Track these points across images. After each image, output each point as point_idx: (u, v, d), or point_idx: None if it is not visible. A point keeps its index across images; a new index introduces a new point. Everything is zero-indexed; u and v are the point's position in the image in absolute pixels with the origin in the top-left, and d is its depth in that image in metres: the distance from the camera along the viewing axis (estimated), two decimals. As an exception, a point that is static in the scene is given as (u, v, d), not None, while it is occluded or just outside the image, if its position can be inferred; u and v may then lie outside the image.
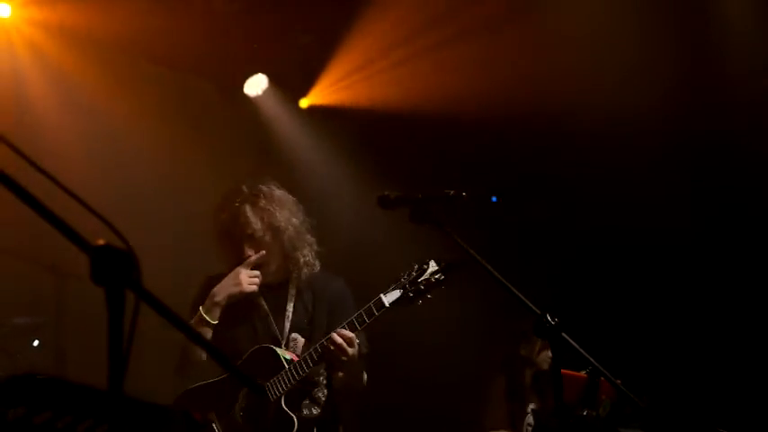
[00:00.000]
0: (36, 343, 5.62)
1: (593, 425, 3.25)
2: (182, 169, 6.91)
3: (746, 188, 6.80)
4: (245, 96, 7.36)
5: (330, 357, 4.11)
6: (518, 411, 6.43)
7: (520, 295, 3.10)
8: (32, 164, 1.87)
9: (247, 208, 4.36)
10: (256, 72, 7.31)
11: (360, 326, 4.10)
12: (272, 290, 4.45)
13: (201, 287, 4.47)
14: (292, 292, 4.45)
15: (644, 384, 3.46)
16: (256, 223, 4.35)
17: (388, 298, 4.05)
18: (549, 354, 6.35)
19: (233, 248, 4.38)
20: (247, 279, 4.30)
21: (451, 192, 3.28)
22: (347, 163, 7.74)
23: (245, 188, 4.44)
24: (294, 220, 4.43)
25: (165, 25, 6.38)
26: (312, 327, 4.39)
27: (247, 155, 7.61)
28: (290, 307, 4.41)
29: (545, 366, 6.47)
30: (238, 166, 7.46)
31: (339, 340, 4.08)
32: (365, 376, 4.48)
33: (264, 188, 4.45)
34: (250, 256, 4.35)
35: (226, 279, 4.33)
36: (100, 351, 2.16)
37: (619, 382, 3.15)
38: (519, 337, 6.48)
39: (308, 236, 4.48)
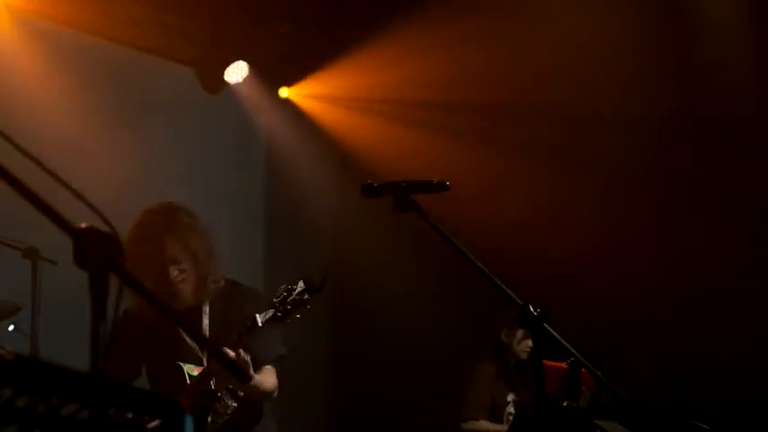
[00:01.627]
0: (11, 328, 5.56)
1: (574, 416, 3.26)
2: (159, 158, 6.87)
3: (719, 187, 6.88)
4: (226, 83, 7.34)
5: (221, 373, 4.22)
6: (498, 400, 6.46)
7: (502, 286, 3.10)
8: (16, 146, 1.85)
9: (169, 237, 4.43)
10: (237, 59, 7.29)
11: (240, 343, 4.17)
12: (187, 312, 4.50)
13: (119, 324, 4.31)
14: (205, 309, 4.54)
15: (624, 377, 3.47)
16: (179, 251, 4.43)
17: (262, 318, 4.17)
18: (529, 344, 6.40)
19: (152, 274, 4.36)
20: None
21: (435, 180, 3.26)
22: (329, 153, 7.74)
23: (161, 218, 4.51)
24: (208, 244, 4.54)
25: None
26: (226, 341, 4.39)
27: (226, 142, 7.60)
28: (205, 324, 4.52)
29: (523, 356, 6.51)
30: (219, 154, 7.45)
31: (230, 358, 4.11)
32: (274, 380, 4.51)
33: (182, 217, 4.54)
34: (176, 275, 4.42)
35: None
36: (76, 336, 2.13)
37: (600, 373, 3.15)
38: (501, 324, 6.53)
39: (216, 258, 4.59)
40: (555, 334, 3.04)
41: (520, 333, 6.45)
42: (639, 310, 6.85)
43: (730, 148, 6.76)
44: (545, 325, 3.01)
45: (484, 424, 6.35)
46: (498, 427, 6.30)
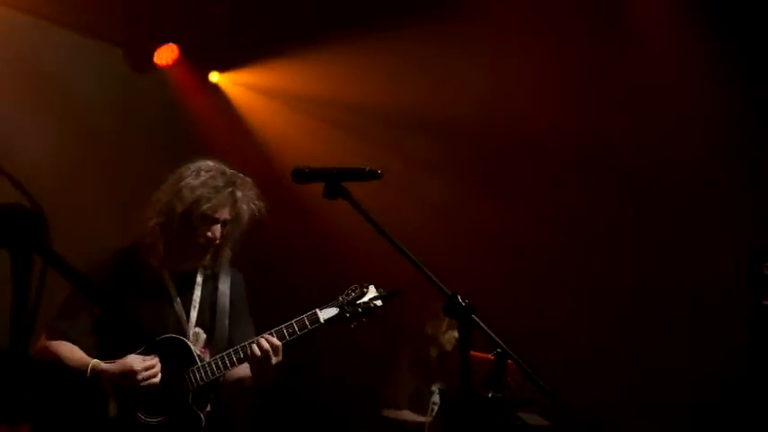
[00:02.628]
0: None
1: (498, 407, 3.27)
2: (83, 138, 6.74)
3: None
4: (155, 65, 7.22)
5: (252, 362, 4.02)
6: (422, 390, 6.48)
7: (431, 275, 3.10)
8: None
9: (238, 194, 4.16)
10: (167, 41, 7.18)
11: (289, 336, 4.02)
12: (180, 276, 4.25)
13: (102, 268, 4.16)
14: (199, 280, 4.27)
15: (548, 370, 3.49)
16: (232, 213, 4.17)
17: (324, 314, 4.03)
18: (455, 335, 6.43)
19: (186, 228, 4.13)
20: (144, 375, 3.97)
21: (367, 168, 3.25)
22: (252, 144, 7.68)
23: (231, 173, 4.23)
24: (248, 223, 4.26)
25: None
26: (214, 323, 4.24)
27: (155, 125, 7.48)
28: (196, 296, 4.24)
29: (449, 347, 6.54)
30: (150, 136, 7.33)
31: (266, 346, 3.99)
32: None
33: (246, 178, 4.25)
34: (214, 237, 4.14)
35: (116, 366, 3.99)
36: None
37: (526, 365, 3.17)
38: (427, 315, 6.55)
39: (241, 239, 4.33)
40: (482, 325, 3.05)
41: (445, 325, 6.49)
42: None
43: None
44: (473, 316, 3.02)
45: (406, 414, 6.36)
46: (420, 417, 6.31)
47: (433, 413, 6.28)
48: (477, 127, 7.25)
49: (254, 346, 3.99)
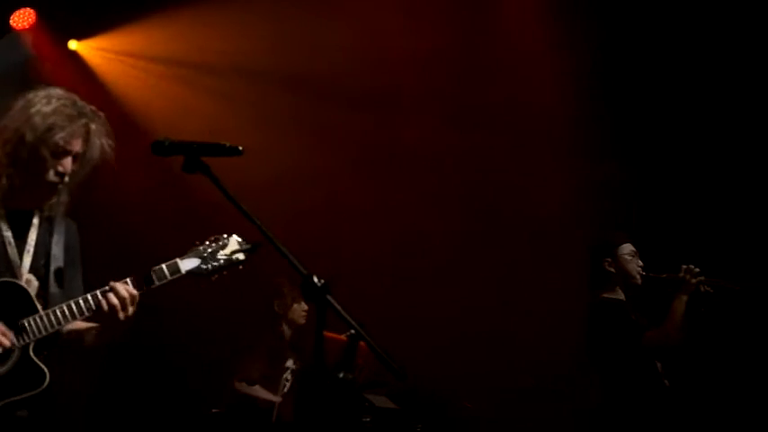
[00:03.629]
0: None
1: (348, 388, 3.28)
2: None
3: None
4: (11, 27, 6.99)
5: (102, 313, 3.69)
6: (276, 366, 6.48)
7: (288, 254, 3.09)
8: None
9: (92, 127, 3.83)
10: (24, 5, 6.96)
11: (147, 285, 3.74)
12: (16, 215, 3.88)
13: None
14: (35, 222, 3.91)
15: (403, 353, 3.53)
16: (84, 146, 3.83)
17: (185, 265, 3.78)
18: (304, 307, 6.47)
19: (35, 160, 3.77)
20: None
21: (228, 144, 3.22)
22: (112, 111, 7.50)
23: (83, 103, 3.88)
24: (104, 151, 3.92)
25: None
26: (48, 270, 3.87)
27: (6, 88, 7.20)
28: (31, 239, 3.87)
29: (301, 321, 6.55)
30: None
31: (124, 294, 3.68)
32: None
33: (98, 111, 3.91)
34: (64, 171, 3.78)
35: None
36: None
37: (378, 347, 3.20)
38: (272, 293, 6.55)
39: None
40: (337, 306, 3.06)
41: (290, 299, 6.49)
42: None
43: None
44: (328, 296, 3.03)
45: (258, 389, 6.34)
46: (271, 396, 6.30)
47: (285, 390, 6.28)
48: (341, 86, 7.28)
49: (110, 295, 3.67)
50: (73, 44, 7.59)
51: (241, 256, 3.84)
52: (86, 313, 3.73)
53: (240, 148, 3.21)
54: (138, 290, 3.72)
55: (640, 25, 7.26)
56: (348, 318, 3.12)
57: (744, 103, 7.16)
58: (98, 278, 3.87)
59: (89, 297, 3.73)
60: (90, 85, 7.53)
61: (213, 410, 6.40)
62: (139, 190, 7.11)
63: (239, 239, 3.85)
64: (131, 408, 7.40)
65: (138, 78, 7.58)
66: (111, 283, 3.72)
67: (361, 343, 3.19)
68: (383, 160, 7.53)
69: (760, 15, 6.95)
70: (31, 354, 3.71)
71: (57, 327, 3.72)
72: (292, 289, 6.39)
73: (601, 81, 7.35)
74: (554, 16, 7.27)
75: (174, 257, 3.82)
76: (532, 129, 7.38)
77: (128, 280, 3.74)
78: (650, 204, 7.32)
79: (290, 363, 6.47)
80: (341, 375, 3.33)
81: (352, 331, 3.15)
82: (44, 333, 3.70)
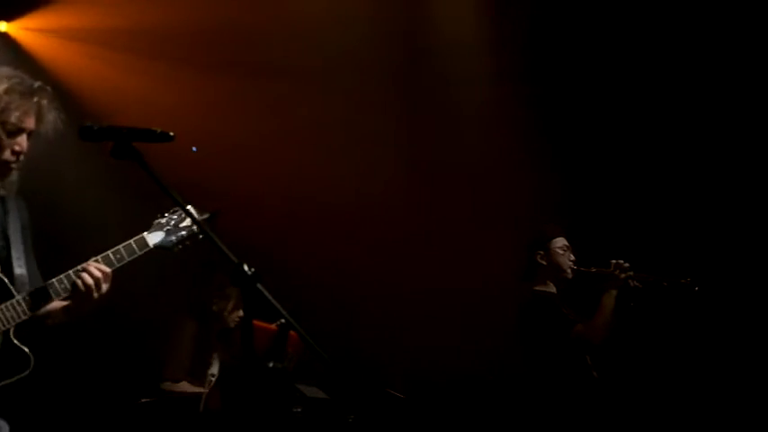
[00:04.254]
0: None
1: (278, 377, 3.28)
2: None
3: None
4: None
5: (79, 292, 3.68)
6: (202, 361, 6.40)
7: (219, 242, 3.06)
8: None
9: (44, 103, 3.78)
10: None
11: (117, 263, 3.73)
12: None
13: None
14: None
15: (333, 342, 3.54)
16: (38, 123, 3.78)
17: (152, 239, 3.77)
18: (240, 314, 6.34)
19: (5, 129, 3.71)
20: None
21: (159, 130, 3.17)
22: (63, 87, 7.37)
23: (31, 80, 3.85)
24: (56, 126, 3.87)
25: None
26: (9, 251, 3.83)
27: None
28: None
29: (232, 325, 6.44)
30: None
31: (98, 274, 3.67)
32: None
33: (46, 86, 3.88)
34: (21, 150, 3.73)
35: None
36: None
37: (308, 336, 3.18)
38: (214, 289, 6.44)
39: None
40: (267, 295, 3.03)
41: (231, 304, 6.38)
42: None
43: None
44: (258, 285, 3.01)
45: (184, 386, 6.27)
46: (197, 389, 6.24)
47: (211, 384, 6.22)
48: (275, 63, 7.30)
49: (84, 275, 3.66)
50: (2, 26, 7.43)
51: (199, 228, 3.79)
52: (62, 294, 3.73)
53: (171, 134, 3.16)
54: (109, 267, 3.71)
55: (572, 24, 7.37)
56: (278, 307, 3.10)
57: (673, 95, 7.28)
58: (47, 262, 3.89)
59: (63, 278, 3.72)
60: (24, 68, 7.37)
61: (142, 400, 6.33)
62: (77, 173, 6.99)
63: (197, 209, 3.77)
64: (59, 396, 7.30)
65: (73, 57, 7.42)
66: (85, 264, 3.71)
67: (292, 332, 3.18)
68: (328, 135, 7.48)
69: (690, 16, 7.08)
70: (13, 338, 3.69)
71: (35, 310, 3.71)
72: (238, 294, 6.26)
73: (533, 73, 7.44)
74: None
75: (141, 232, 3.82)
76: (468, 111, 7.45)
77: (99, 258, 3.73)
78: (582, 199, 7.39)
79: (216, 356, 6.39)
80: (271, 365, 3.33)
81: (283, 320, 3.14)
82: (23, 317, 3.69)
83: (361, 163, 7.45)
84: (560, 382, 5.62)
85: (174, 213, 3.87)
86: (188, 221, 3.83)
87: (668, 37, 7.18)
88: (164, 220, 3.86)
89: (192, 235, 3.85)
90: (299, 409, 5.84)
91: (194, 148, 7.47)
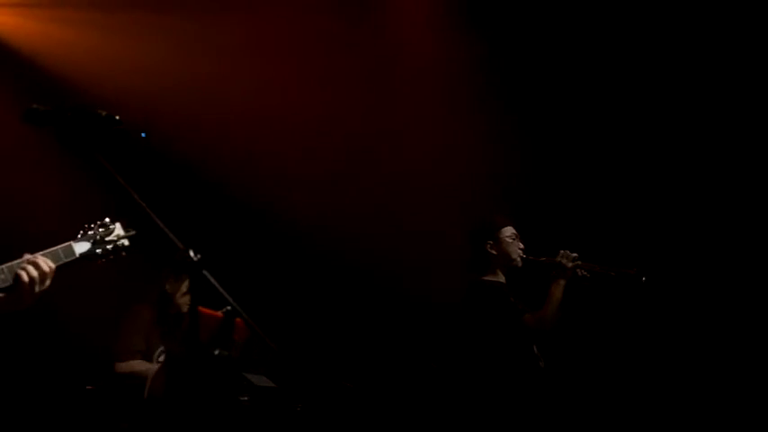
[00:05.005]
0: None
1: (223, 365, 3.25)
2: None
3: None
4: None
5: (22, 284, 3.61)
6: (153, 346, 6.35)
7: (165, 228, 3.03)
8: None
9: None
10: None
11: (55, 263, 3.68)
12: None
13: None
14: None
15: (279, 331, 3.51)
16: None
17: (78, 248, 3.75)
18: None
19: None
20: None
21: (104, 113, 3.11)
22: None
23: None
24: None
25: None
26: None
27: None
28: None
29: (184, 309, 6.40)
30: None
31: (45, 267, 3.62)
32: None
33: None
34: None
35: None
36: None
37: (255, 324, 3.16)
38: (168, 273, 6.39)
39: None
40: (213, 281, 3.01)
41: (185, 286, 6.34)
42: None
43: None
44: (204, 271, 2.98)
45: (137, 364, 6.23)
46: (151, 365, 6.20)
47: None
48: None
49: (29, 267, 3.60)
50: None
51: (126, 242, 3.85)
52: (1, 285, 3.64)
53: (117, 117, 3.11)
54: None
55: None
56: (225, 294, 3.08)
57: (618, 89, 7.36)
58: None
59: (5, 268, 3.64)
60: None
61: (87, 387, 6.28)
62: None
63: (123, 226, 3.86)
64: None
65: (29, 24, 7.27)
66: (31, 256, 3.65)
67: (238, 319, 3.16)
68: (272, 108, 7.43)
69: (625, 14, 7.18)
70: None
71: None
72: (181, 276, 6.25)
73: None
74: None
75: (68, 241, 3.79)
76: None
77: (47, 252, 3.68)
78: (531, 188, 7.43)
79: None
80: (216, 352, 3.30)
81: (229, 307, 3.11)
82: None
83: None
84: (508, 372, 5.64)
85: (101, 227, 3.88)
86: (113, 236, 3.85)
87: (608, 12, 7.27)
88: (92, 232, 3.86)
89: (116, 250, 3.86)
90: (246, 398, 5.82)
91: (143, 134, 7.37)
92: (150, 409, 5.75)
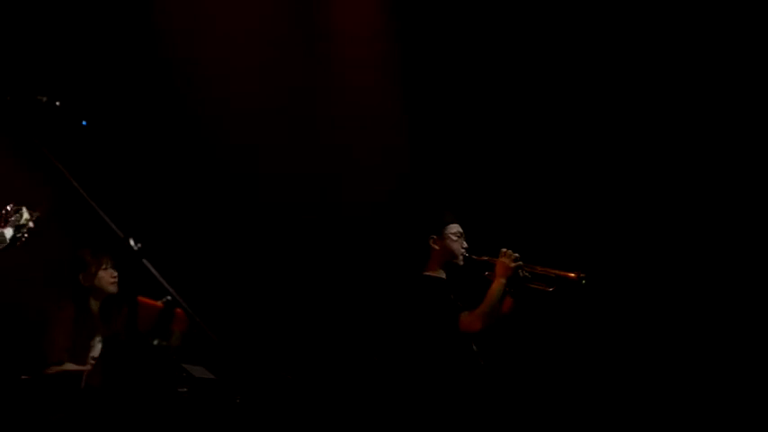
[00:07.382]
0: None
1: (162, 356, 3.23)
2: None
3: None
4: None
5: None
6: (83, 343, 6.22)
7: (104, 216, 3.00)
8: None
9: None
10: None
11: None
12: None
13: None
14: None
15: (219, 321, 3.49)
16: None
17: (6, 234, 3.84)
18: (113, 273, 6.21)
19: None
20: None
21: (44, 98, 3.08)
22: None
23: None
24: None
25: None
26: None
27: None
28: None
29: (111, 288, 6.27)
30: None
31: None
32: None
33: None
34: None
35: None
36: None
37: (194, 315, 3.15)
38: (78, 267, 6.25)
39: None
40: (153, 271, 2.99)
41: (94, 267, 6.22)
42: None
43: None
44: (144, 261, 2.96)
45: (67, 366, 6.12)
46: (80, 367, 6.09)
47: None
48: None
49: None
50: None
51: (32, 224, 3.90)
52: None
53: (57, 102, 3.08)
54: None
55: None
56: (165, 283, 3.06)
57: (563, 83, 7.40)
58: None
59: None
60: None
61: (22, 377, 6.16)
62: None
63: (27, 209, 3.92)
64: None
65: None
66: None
67: (178, 309, 3.14)
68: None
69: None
70: None
71: None
72: (97, 258, 6.15)
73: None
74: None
75: None
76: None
77: None
78: (476, 188, 7.46)
79: (98, 338, 6.23)
80: (155, 342, 3.28)
81: (169, 297, 3.09)
82: None
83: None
84: (445, 368, 5.66)
85: (16, 212, 3.93)
86: (23, 220, 3.88)
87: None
88: (13, 218, 3.88)
89: (29, 233, 3.92)
90: (185, 389, 5.77)
91: (84, 122, 7.24)
92: (87, 399, 5.67)
